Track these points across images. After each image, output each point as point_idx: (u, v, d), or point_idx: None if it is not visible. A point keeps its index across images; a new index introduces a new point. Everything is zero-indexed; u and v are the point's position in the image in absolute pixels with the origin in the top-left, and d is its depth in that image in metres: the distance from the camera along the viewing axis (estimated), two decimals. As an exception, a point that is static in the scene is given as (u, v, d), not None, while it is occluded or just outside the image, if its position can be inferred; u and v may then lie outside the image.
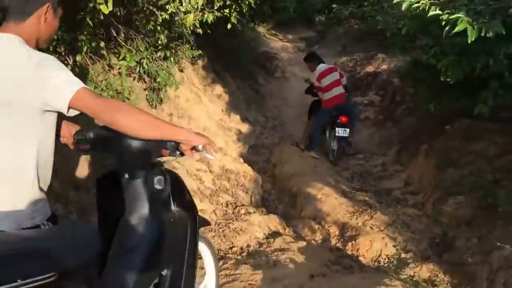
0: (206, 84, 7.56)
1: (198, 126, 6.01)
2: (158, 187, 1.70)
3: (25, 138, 1.48)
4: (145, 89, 5.13)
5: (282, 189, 5.89)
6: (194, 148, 1.63)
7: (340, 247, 4.22)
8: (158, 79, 4.63)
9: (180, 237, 1.84)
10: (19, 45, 1.49)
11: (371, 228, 4.36)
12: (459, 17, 2.74)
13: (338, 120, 6.05)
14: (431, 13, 2.85)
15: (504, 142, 4.62)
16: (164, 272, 1.77)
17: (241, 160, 6.24)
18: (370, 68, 11.95)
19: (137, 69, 4.43)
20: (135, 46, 4.41)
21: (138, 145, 1.63)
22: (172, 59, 5.09)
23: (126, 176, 1.68)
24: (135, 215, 1.66)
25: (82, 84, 1.47)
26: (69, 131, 1.82)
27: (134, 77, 4.97)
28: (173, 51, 5.49)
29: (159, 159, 1.75)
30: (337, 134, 6.04)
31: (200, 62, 7.76)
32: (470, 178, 4.42)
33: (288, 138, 7.87)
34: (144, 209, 1.66)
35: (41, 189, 1.56)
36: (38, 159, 1.52)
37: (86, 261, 1.38)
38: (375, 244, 4.09)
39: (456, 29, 2.79)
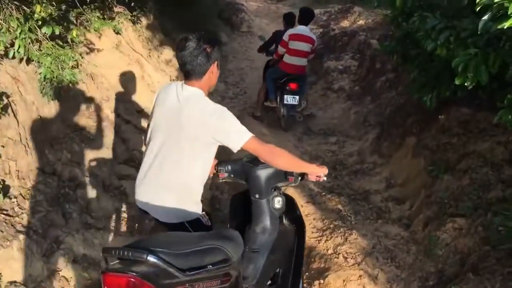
0: (151, 48, 6.15)
1: (134, 108, 4.71)
2: (277, 206, 2.27)
3: (197, 162, 2.10)
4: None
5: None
6: (318, 176, 2.26)
7: (305, 286, 3.14)
8: (41, 69, 3.14)
9: (290, 244, 2.33)
10: (204, 97, 2.10)
11: (345, 258, 3.29)
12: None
13: (287, 87, 5.66)
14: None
15: (515, 143, 3.54)
16: (278, 270, 2.30)
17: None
18: (345, 23, 10.64)
19: (10, 54, 2.97)
20: (5, 20, 2.95)
21: (265, 175, 2.24)
22: (74, 33, 3.64)
23: (256, 196, 2.27)
24: (259, 226, 2.25)
25: (250, 134, 2.03)
26: (211, 163, 2.25)
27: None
28: (79, 20, 4.03)
29: (282, 184, 2.35)
30: (285, 102, 5.68)
31: (144, 21, 6.30)
32: (474, 193, 3.35)
33: (251, 109, 6.65)
34: (266, 222, 2.24)
35: (197, 196, 2.20)
36: (201, 178, 2.16)
37: (240, 256, 1.92)
38: (349, 286, 3.04)
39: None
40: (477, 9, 1.82)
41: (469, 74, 2.19)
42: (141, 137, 4.17)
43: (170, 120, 2.06)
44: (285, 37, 5.65)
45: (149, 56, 6.02)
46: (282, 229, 2.29)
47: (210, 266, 1.65)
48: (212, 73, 2.14)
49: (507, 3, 1.56)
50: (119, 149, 3.80)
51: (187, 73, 2.09)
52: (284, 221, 2.37)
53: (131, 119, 4.31)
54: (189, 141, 2.03)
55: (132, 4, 5.76)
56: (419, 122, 4.49)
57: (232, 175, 2.39)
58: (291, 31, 5.70)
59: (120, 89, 4.68)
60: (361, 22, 10.26)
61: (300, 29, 5.72)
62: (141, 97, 5.08)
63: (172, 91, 2.12)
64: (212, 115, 2.01)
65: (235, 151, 2.03)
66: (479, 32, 1.81)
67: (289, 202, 2.43)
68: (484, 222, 3.13)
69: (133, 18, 5.95)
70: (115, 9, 5.71)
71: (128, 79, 4.98)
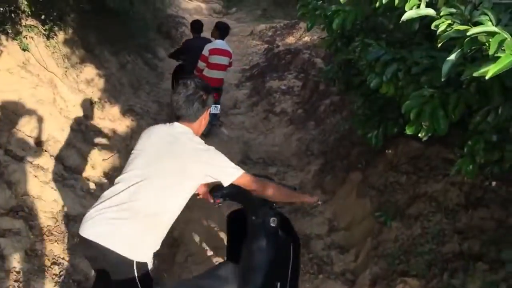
0: (68, 66, 5.38)
1: (33, 141, 3.93)
2: (272, 225, 2.31)
3: (178, 197, 2.06)
4: None
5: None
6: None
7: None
8: None
9: (286, 258, 2.33)
10: (194, 136, 2.16)
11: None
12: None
13: None
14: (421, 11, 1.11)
15: (470, 184, 3.09)
16: (276, 284, 2.27)
17: (103, 185, 4.28)
18: (290, 40, 10.22)
19: None
20: None
21: (261, 198, 2.26)
22: None
23: (253, 218, 2.35)
24: (256, 244, 2.29)
25: (242, 170, 2.11)
26: (204, 190, 2.50)
27: None
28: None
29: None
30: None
31: (61, 35, 5.53)
32: (427, 245, 2.87)
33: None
34: (263, 240, 2.28)
35: (162, 234, 2.09)
36: (173, 215, 2.09)
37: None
38: None
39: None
40: (439, 45, 1.30)
41: (423, 123, 1.68)
42: (36, 178, 3.42)
43: (159, 150, 2.09)
44: (205, 52, 5.70)
45: (65, 75, 5.25)
46: (278, 244, 2.34)
47: None
48: (204, 119, 2.24)
49: (488, 38, 1.04)
50: (1, 195, 3.04)
51: (181, 116, 2.17)
52: (280, 234, 2.36)
53: (26, 155, 3.54)
54: (178, 173, 2.04)
55: (43, 17, 4.99)
56: (364, 155, 4.01)
57: (227, 199, 2.47)
58: (210, 46, 5.75)
59: (17, 117, 3.91)
60: (306, 38, 9.87)
61: (218, 43, 5.79)
62: (49, 125, 4.30)
63: (162, 128, 2.21)
64: (205, 151, 2.10)
65: (225, 185, 2.10)
66: (442, 79, 1.29)
67: (283, 220, 2.46)
68: (440, 284, 2.63)
69: (46, 32, 5.18)
70: (26, 22, 4.93)
71: (31, 104, 4.21)
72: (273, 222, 2.31)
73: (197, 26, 6.42)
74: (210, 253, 3.67)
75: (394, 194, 3.36)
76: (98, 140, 5.07)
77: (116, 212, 1.97)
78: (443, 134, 1.72)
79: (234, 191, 2.31)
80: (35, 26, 5.05)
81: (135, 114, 6.16)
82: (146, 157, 2.08)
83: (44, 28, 5.12)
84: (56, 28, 5.40)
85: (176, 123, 2.17)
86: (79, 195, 3.70)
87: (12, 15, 4.64)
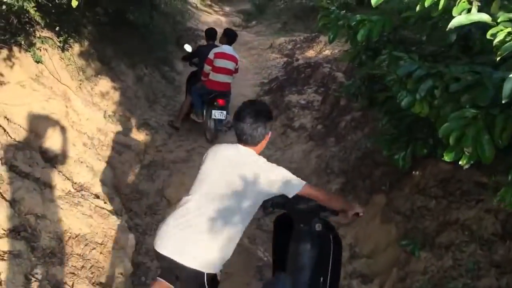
0: (82, 78, 5.27)
1: (42, 157, 3.78)
2: (317, 229, 2.42)
3: (249, 213, 2.23)
4: None
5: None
6: (356, 214, 2.45)
7: None
8: None
9: (327, 256, 2.42)
10: (258, 156, 2.30)
11: None
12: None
13: (215, 103, 5.81)
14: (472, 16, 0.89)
15: (506, 211, 2.80)
16: (321, 279, 2.40)
17: (113, 202, 4.10)
18: (310, 53, 10.01)
19: None
20: None
21: (308, 209, 2.44)
22: None
23: (301, 225, 2.43)
24: (302, 247, 2.39)
25: (304, 182, 2.28)
26: None
27: None
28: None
29: (323, 215, 2.50)
30: (213, 117, 5.83)
31: (76, 48, 5.43)
32: (460, 279, 2.58)
33: (200, 149, 5.80)
34: (307, 243, 2.38)
35: (231, 250, 2.24)
36: (241, 233, 2.24)
37: None
38: None
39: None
40: (498, 58, 1.07)
41: (465, 149, 1.44)
42: (41, 196, 3.25)
43: (226, 171, 2.23)
44: (211, 55, 5.76)
45: (79, 88, 5.14)
46: (321, 244, 2.43)
47: None
48: (265, 140, 2.37)
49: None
50: (3, 214, 2.87)
51: (245, 140, 2.31)
52: (322, 236, 2.45)
53: (32, 171, 3.38)
54: (247, 192, 2.18)
55: (57, 28, 4.89)
56: (388, 176, 3.74)
57: (275, 209, 2.56)
58: (216, 50, 5.83)
59: (26, 131, 3.77)
60: (327, 52, 9.66)
61: (224, 48, 5.89)
62: (59, 140, 4.17)
63: (227, 149, 2.36)
64: (269, 169, 2.24)
65: (290, 196, 2.23)
66: (503, 101, 1.05)
67: (327, 223, 2.56)
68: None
69: (61, 44, 5.08)
70: (40, 33, 4.84)
71: (42, 118, 4.08)
72: (318, 227, 2.43)
73: (211, 33, 6.51)
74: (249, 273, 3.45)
75: (422, 221, 3.08)
76: (111, 154, 4.91)
77: (190, 231, 2.14)
78: (488, 163, 1.47)
79: (282, 201, 2.45)
80: (50, 38, 4.96)
81: (150, 128, 6.01)
82: (215, 178, 2.23)
83: (58, 40, 5.03)
84: (71, 40, 5.31)
85: (239, 145, 2.33)
86: (86, 214, 3.51)
87: (26, 26, 4.56)
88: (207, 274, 2.14)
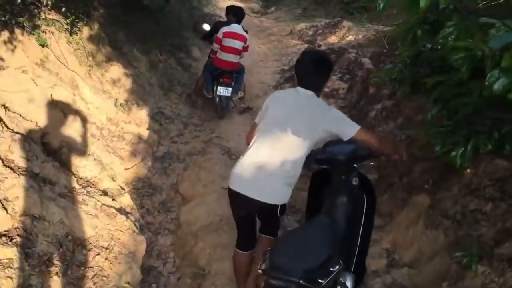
0: (92, 64, 4.87)
1: (44, 148, 3.40)
2: (354, 183, 2.46)
3: (306, 150, 2.39)
4: None
5: (185, 254, 3.46)
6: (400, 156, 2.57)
7: None
8: None
9: (360, 213, 2.45)
10: (317, 98, 2.46)
11: None
12: None
13: (221, 80, 5.89)
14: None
15: None
16: (353, 235, 2.44)
17: (123, 199, 3.71)
18: (333, 39, 9.49)
19: None
20: None
21: (347, 160, 2.47)
22: None
23: (343, 177, 2.45)
24: (339, 199, 2.41)
25: (359, 126, 2.38)
26: None
27: None
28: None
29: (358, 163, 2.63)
30: (218, 93, 5.89)
31: (86, 31, 5.03)
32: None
33: (218, 140, 5.39)
34: (344, 197, 2.41)
35: (295, 181, 2.49)
36: (302, 165, 2.44)
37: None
38: None
39: None
40: None
41: None
42: (40, 194, 2.86)
43: (289, 112, 2.41)
44: (220, 34, 5.76)
45: (88, 74, 4.75)
46: (356, 199, 2.46)
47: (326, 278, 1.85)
48: (324, 86, 2.58)
49: None
50: (-7, 217, 2.49)
51: (306, 84, 2.44)
52: (358, 192, 2.49)
53: (31, 166, 3.00)
54: (308, 130, 2.35)
55: (64, 9, 4.49)
56: (431, 173, 3.26)
57: (319, 165, 2.61)
58: (225, 28, 5.78)
59: (25, 121, 3.39)
60: (350, 38, 9.13)
61: (233, 27, 5.83)
62: (64, 130, 3.80)
63: (290, 92, 2.55)
64: (329, 110, 2.43)
65: (345, 139, 2.35)
66: None
67: (364, 179, 2.61)
68: None
69: (68, 27, 4.69)
70: (47, 16, 4.45)
71: (45, 106, 3.70)
72: (355, 181, 2.47)
73: (237, 12, 6.12)
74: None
75: (476, 227, 2.61)
76: (121, 146, 4.53)
77: (263, 170, 2.37)
78: None
79: (324, 157, 2.52)
80: (57, 21, 4.57)
81: (165, 117, 5.61)
82: (281, 120, 2.39)
83: (66, 22, 4.63)
84: (80, 23, 4.90)
85: (299, 88, 2.45)
86: (91, 214, 3.13)
87: (30, 7, 4.18)
88: (280, 206, 2.45)
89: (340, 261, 1.95)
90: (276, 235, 2.66)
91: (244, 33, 5.89)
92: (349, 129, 2.34)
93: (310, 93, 2.43)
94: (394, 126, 4.56)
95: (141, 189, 4.28)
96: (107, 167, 4.04)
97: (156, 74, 6.13)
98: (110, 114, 4.67)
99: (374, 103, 5.08)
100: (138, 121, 5.05)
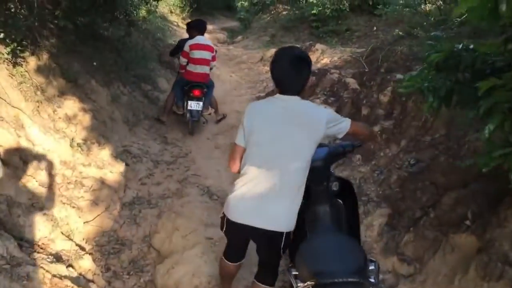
0: (41, 100, 4.10)
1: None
2: (334, 189, 2.38)
3: (308, 163, 2.13)
4: None
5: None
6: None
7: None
8: None
9: (345, 213, 2.42)
10: (305, 102, 2.22)
11: None
12: None
13: (191, 94, 5.68)
14: None
15: None
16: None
17: (82, 263, 2.90)
18: (307, 63, 8.93)
19: None
20: None
21: (323, 165, 2.37)
22: None
23: (324, 183, 2.36)
24: (321, 207, 2.34)
25: (348, 119, 2.21)
26: None
27: None
28: None
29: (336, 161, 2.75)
30: (189, 108, 5.68)
31: (32, 62, 4.27)
32: None
33: (195, 179, 4.65)
34: (326, 205, 2.35)
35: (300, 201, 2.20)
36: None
37: None
38: None
39: None
40: None
41: None
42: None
43: (285, 126, 2.10)
44: (186, 48, 5.68)
45: (37, 111, 3.98)
46: (338, 205, 2.40)
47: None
48: (307, 85, 2.29)
49: None
50: None
51: (288, 88, 2.16)
52: (339, 194, 2.40)
53: None
54: (309, 139, 2.10)
55: (1, 35, 3.75)
56: (467, 204, 2.62)
57: None
58: (190, 42, 5.72)
59: None
60: (325, 60, 8.65)
61: (198, 39, 5.76)
62: (5, 180, 3.00)
63: (272, 102, 2.22)
64: (321, 112, 2.18)
65: (341, 136, 2.20)
66: None
67: (344, 182, 2.50)
68: None
69: (10, 56, 3.93)
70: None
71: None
72: (335, 186, 2.38)
73: (197, 25, 6.03)
74: None
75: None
76: (79, 195, 3.73)
77: (264, 195, 2.08)
78: None
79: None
80: (-3, 50, 3.82)
81: (131, 156, 4.84)
82: (272, 137, 2.10)
83: (6, 51, 3.88)
84: (26, 53, 4.15)
85: (280, 96, 2.17)
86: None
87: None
88: (286, 233, 2.14)
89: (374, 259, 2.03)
90: (273, 286, 2.40)
91: (210, 43, 5.93)
92: (344, 126, 2.19)
93: (295, 98, 2.16)
94: (398, 149, 3.96)
95: (106, 245, 3.48)
96: (61, 222, 3.24)
97: (119, 108, 5.38)
98: (64, 157, 3.88)
99: (370, 125, 4.48)
100: (100, 163, 4.26)
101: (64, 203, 3.43)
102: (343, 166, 4.28)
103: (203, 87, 5.75)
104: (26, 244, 2.77)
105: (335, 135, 2.22)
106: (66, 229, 3.22)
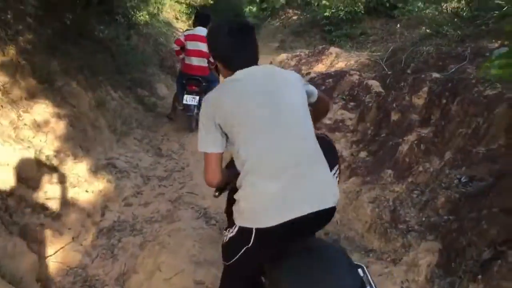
0: (3, 103, 3.34)
1: None
2: None
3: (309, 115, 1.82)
4: None
5: None
6: None
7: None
8: None
9: None
10: (271, 65, 1.96)
11: None
12: None
13: (187, 88, 5.42)
14: None
15: None
16: None
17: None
18: (320, 67, 8.21)
19: None
20: None
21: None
22: None
23: None
24: None
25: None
26: None
27: None
28: None
29: None
30: (184, 102, 5.40)
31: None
32: None
33: (190, 198, 3.86)
34: None
35: None
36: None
37: None
38: None
39: None
40: None
41: None
42: None
43: (264, 95, 1.70)
44: (181, 36, 5.50)
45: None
46: None
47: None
48: None
49: None
50: None
51: (244, 61, 1.77)
52: None
53: None
54: (296, 94, 1.79)
55: None
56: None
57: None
58: (186, 32, 5.54)
59: None
60: (340, 64, 7.87)
61: (196, 29, 5.49)
62: None
63: (235, 81, 1.74)
64: (291, 71, 1.99)
65: (313, 100, 1.95)
66: None
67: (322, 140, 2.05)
68: None
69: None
70: None
71: None
72: None
73: (200, 16, 5.72)
74: None
75: None
76: (46, 221, 2.95)
77: (296, 174, 1.61)
78: None
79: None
80: None
81: (116, 171, 4.07)
82: (261, 112, 1.66)
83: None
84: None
85: (237, 72, 1.75)
86: None
87: None
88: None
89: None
90: None
91: None
92: (313, 88, 1.95)
93: (256, 66, 1.79)
94: (442, 163, 3.12)
95: (71, 287, 2.68)
96: (23, 258, 2.46)
97: (105, 115, 4.61)
98: (26, 173, 3.11)
99: (402, 133, 3.66)
100: (74, 180, 3.49)
101: (26, 231, 2.65)
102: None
103: (201, 80, 5.38)
104: None
105: (309, 98, 1.86)
106: (28, 263, 2.44)
